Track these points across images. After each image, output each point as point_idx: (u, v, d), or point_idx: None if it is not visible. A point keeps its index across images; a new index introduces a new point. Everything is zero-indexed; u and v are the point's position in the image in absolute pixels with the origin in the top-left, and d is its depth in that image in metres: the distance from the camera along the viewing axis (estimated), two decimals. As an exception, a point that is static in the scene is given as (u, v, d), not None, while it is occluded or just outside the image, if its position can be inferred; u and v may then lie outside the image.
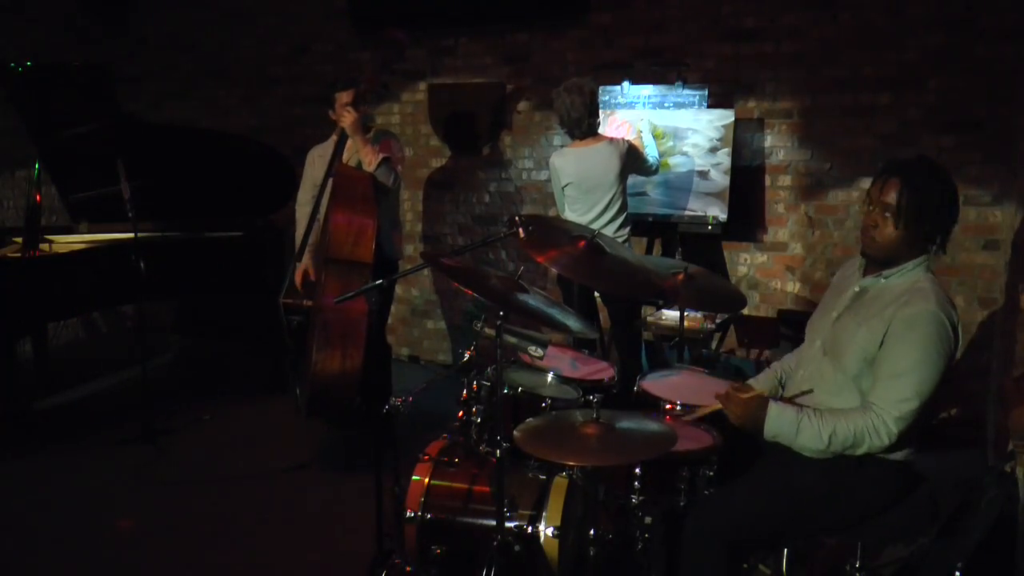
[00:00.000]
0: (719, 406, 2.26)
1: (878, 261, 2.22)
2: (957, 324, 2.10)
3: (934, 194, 2.11)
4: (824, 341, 2.27)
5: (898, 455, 2.16)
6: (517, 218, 2.58)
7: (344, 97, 3.81)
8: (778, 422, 2.13)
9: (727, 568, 2.14)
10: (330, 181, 3.77)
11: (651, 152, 4.06)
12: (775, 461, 2.24)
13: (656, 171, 4.12)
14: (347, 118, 3.75)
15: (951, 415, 4.04)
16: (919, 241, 2.14)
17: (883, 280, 2.19)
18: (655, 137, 4.18)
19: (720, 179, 4.18)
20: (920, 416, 2.08)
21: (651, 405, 2.57)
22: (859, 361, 2.14)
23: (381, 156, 3.79)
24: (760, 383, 2.53)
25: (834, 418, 2.10)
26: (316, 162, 4.06)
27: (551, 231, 2.74)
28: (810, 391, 2.25)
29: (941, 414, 4.05)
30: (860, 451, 2.10)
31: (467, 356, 2.74)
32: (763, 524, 2.17)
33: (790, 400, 2.26)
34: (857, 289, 2.25)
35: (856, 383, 2.16)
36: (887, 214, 2.12)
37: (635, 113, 4.30)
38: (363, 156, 3.80)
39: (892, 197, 2.10)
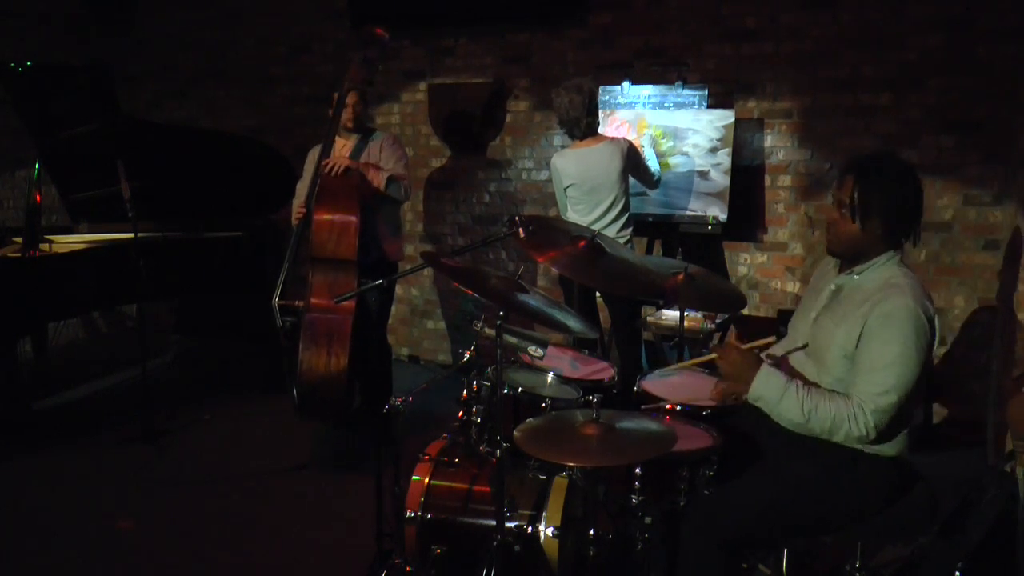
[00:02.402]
0: (715, 356, 2.27)
1: (842, 257, 2.23)
2: (934, 317, 2.09)
3: (888, 190, 2.10)
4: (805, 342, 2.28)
5: (891, 451, 2.15)
6: (517, 218, 2.58)
7: (336, 96, 3.82)
8: (765, 384, 2.13)
9: (725, 567, 2.14)
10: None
11: (653, 165, 4.06)
12: (772, 460, 2.25)
13: (657, 184, 4.11)
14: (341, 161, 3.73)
15: (951, 415, 4.04)
16: (882, 236, 2.14)
17: (855, 277, 2.20)
18: (655, 137, 4.18)
19: (720, 179, 4.17)
20: (900, 411, 2.07)
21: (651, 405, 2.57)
22: (840, 359, 2.14)
23: (386, 176, 3.76)
24: None
25: (819, 396, 2.10)
26: (317, 160, 4.05)
27: (551, 231, 2.74)
28: (805, 346, 2.25)
29: (942, 414, 4.05)
30: (837, 438, 2.09)
31: (467, 356, 2.74)
32: (759, 523, 2.16)
33: (785, 360, 2.26)
34: (833, 287, 2.26)
35: (841, 385, 2.15)
36: (844, 210, 2.14)
37: (635, 114, 4.30)
38: (370, 179, 3.76)
39: (847, 194, 2.12)
